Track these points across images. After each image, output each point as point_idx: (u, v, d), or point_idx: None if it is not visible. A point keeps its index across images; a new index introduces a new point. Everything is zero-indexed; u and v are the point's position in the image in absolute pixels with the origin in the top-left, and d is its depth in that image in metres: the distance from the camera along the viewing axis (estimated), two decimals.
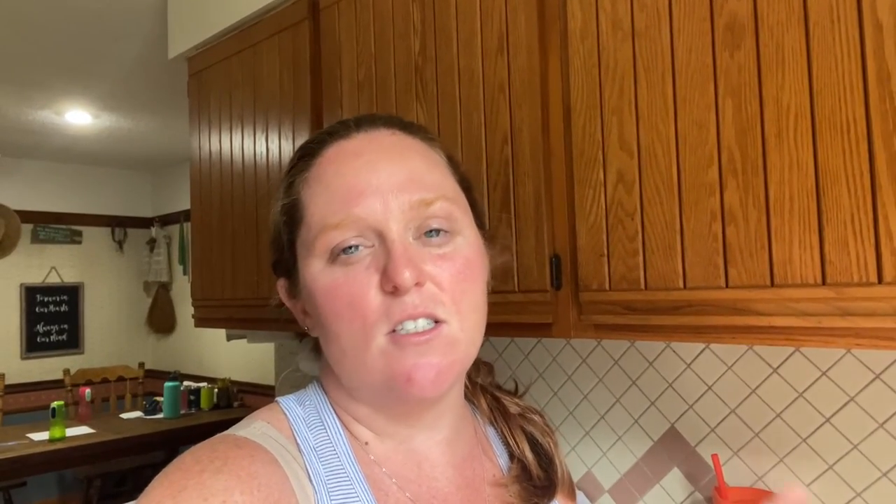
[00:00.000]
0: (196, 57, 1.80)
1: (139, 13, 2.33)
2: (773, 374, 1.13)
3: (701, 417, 1.22)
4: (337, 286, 0.57)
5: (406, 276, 0.54)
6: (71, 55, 2.77)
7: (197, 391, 4.20)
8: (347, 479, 0.58)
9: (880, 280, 0.69)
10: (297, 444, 0.59)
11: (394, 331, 0.56)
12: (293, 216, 0.63)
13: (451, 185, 0.63)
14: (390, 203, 0.58)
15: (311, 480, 0.56)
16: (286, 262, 0.65)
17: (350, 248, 0.57)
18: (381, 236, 0.57)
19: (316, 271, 0.59)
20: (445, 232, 0.59)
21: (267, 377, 4.17)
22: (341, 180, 0.60)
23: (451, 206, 0.60)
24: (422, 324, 0.56)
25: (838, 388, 1.06)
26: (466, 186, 0.67)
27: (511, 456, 0.71)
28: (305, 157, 0.64)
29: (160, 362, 5.36)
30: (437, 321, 0.57)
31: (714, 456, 1.14)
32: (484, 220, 0.69)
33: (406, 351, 0.56)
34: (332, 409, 0.64)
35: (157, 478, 0.51)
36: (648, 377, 1.30)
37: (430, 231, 0.59)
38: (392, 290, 0.55)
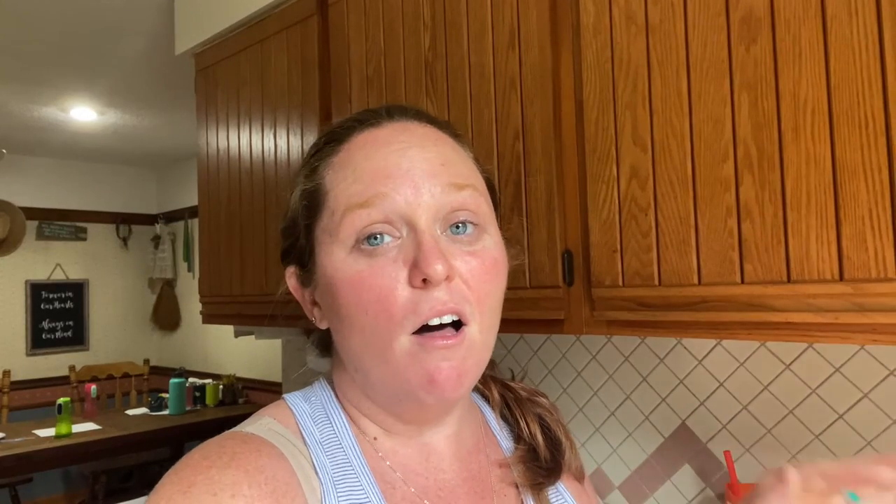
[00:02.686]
0: (203, 53, 1.80)
1: (145, 9, 2.33)
2: (786, 370, 1.13)
3: (712, 414, 1.22)
4: (363, 278, 0.55)
5: (438, 269, 0.53)
6: (76, 51, 2.77)
7: (202, 388, 4.22)
8: (353, 472, 0.58)
9: None
10: (304, 438, 0.59)
11: (420, 329, 0.55)
12: (314, 201, 0.61)
13: (480, 180, 0.62)
14: (421, 188, 0.56)
15: (317, 473, 0.56)
16: (300, 249, 0.64)
17: (376, 236, 0.56)
18: (411, 225, 0.56)
19: (338, 260, 0.57)
20: (474, 226, 0.58)
21: (273, 373, 4.18)
22: (370, 164, 0.58)
23: (480, 199, 0.59)
24: (447, 320, 0.55)
25: (852, 385, 1.05)
26: (491, 187, 0.66)
27: (518, 440, 0.71)
28: (332, 142, 0.63)
29: (165, 359, 5.37)
30: (460, 321, 0.56)
31: (727, 453, 1.14)
32: (502, 224, 0.68)
33: (431, 354, 0.55)
34: (338, 405, 0.64)
35: (166, 474, 0.51)
36: (659, 374, 1.29)
37: (458, 225, 0.57)
38: (421, 283, 0.54)
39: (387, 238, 0.56)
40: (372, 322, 0.56)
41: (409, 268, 0.55)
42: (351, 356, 0.60)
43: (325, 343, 0.68)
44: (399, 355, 0.56)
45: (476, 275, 0.57)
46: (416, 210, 0.56)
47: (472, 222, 0.58)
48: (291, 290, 0.66)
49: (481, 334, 0.58)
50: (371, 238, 0.56)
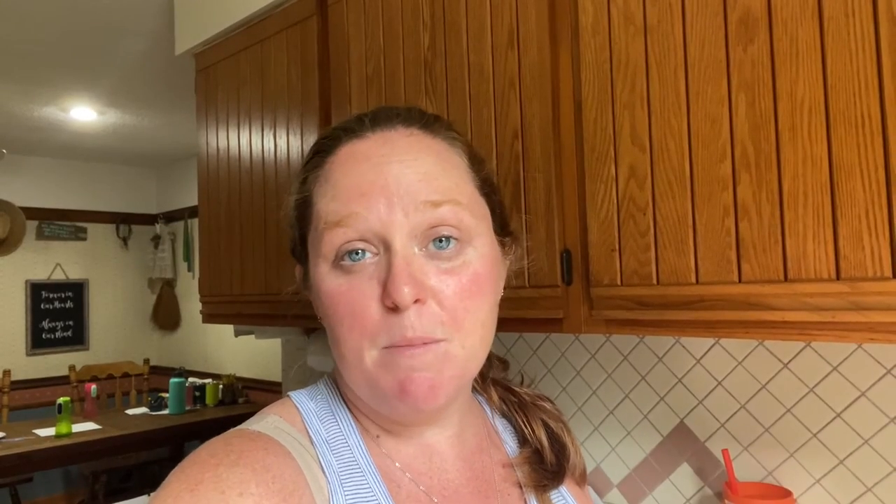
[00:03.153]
0: (203, 53, 1.80)
1: (145, 9, 2.33)
2: (784, 369, 1.13)
3: (710, 413, 1.22)
4: (340, 293, 0.57)
5: (405, 294, 0.53)
6: (76, 51, 2.77)
7: (202, 387, 4.22)
8: (360, 470, 0.58)
9: (895, 275, 0.69)
10: (310, 436, 0.59)
11: (391, 346, 0.56)
12: (304, 212, 0.63)
13: (466, 191, 0.61)
14: (395, 206, 0.56)
15: (324, 472, 0.56)
16: (298, 253, 0.66)
17: (357, 252, 0.56)
18: (385, 244, 0.56)
19: (322, 273, 0.59)
20: (455, 240, 0.58)
21: (272, 373, 4.18)
22: (347, 181, 0.58)
23: (462, 213, 0.58)
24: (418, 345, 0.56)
25: (849, 384, 1.06)
26: (489, 190, 0.65)
27: (522, 442, 0.71)
28: (320, 153, 0.63)
29: (165, 358, 5.37)
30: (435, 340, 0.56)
31: (724, 451, 1.14)
32: (507, 225, 0.68)
33: (400, 362, 0.55)
34: (343, 404, 0.64)
35: (173, 472, 0.51)
36: (658, 372, 1.30)
37: (441, 239, 0.57)
38: (391, 305, 0.54)
39: (367, 254, 0.57)
40: (347, 334, 0.57)
41: (381, 288, 0.55)
42: (337, 362, 0.62)
43: None
44: (370, 365, 0.57)
45: (452, 294, 0.56)
46: (390, 229, 0.56)
47: (453, 237, 0.58)
48: (300, 287, 0.68)
49: (464, 349, 0.57)
50: (352, 254, 0.57)
